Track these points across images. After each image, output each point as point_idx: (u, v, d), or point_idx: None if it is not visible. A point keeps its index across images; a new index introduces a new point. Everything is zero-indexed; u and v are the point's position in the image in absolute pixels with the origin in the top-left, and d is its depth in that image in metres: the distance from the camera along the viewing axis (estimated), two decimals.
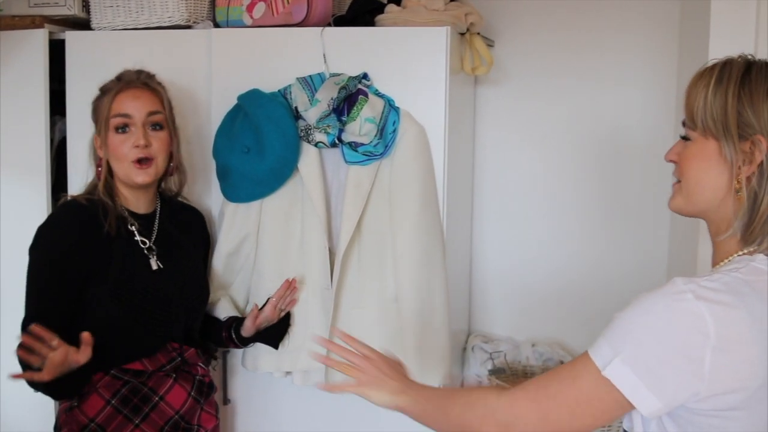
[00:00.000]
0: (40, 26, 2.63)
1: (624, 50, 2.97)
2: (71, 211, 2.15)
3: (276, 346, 2.42)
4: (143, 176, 2.14)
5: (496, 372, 2.94)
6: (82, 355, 1.87)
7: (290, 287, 2.32)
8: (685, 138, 1.40)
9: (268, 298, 2.33)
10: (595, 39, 3.01)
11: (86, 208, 2.12)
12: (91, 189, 2.19)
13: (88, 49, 2.64)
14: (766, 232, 1.30)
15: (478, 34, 2.68)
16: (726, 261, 1.34)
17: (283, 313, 2.37)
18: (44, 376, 1.82)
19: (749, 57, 1.36)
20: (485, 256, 3.21)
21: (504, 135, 3.14)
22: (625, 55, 2.97)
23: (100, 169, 2.18)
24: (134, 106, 2.14)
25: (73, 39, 2.68)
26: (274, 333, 2.39)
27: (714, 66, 1.36)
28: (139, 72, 2.22)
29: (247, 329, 2.31)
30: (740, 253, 1.33)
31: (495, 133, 3.15)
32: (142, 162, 2.14)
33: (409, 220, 2.38)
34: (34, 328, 1.80)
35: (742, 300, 1.23)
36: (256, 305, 2.33)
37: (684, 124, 1.40)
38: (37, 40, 2.63)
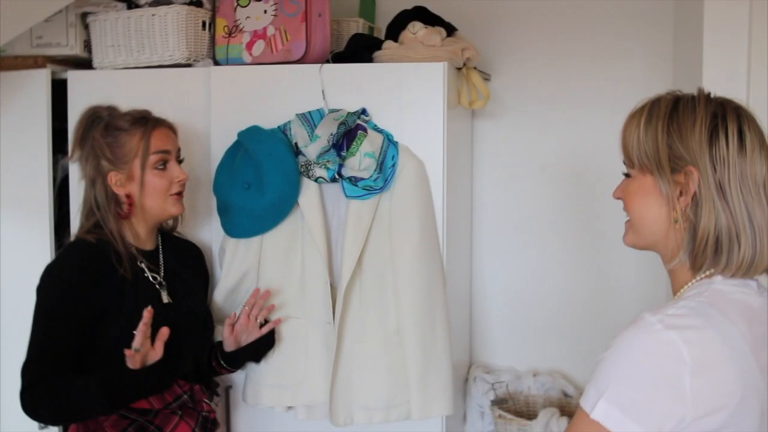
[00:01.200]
0: (43, 66, 2.67)
1: (620, 78, 3.00)
2: (79, 250, 2.13)
3: (258, 361, 2.41)
4: (178, 207, 2.23)
5: (498, 402, 2.94)
6: (158, 350, 1.97)
7: (261, 295, 2.31)
8: (627, 175, 1.47)
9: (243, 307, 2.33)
10: (591, 68, 3.04)
11: (95, 246, 2.12)
12: (92, 227, 2.17)
13: (89, 88, 2.67)
14: (710, 257, 1.34)
15: (475, 68, 2.71)
16: (686, 287, 1.39)
17: (264, 328, 2.32)
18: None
19: (677, 93, 1.42)
20: (485, 287, 3.22)
21: (502, 167, 3.17)
22: (620, 83, 2.99)
23: (129, 206, 2.16)
24: (169, 142, 2.21)
25: (75, 78, 2.71)
26: (256, 348, 2.35)
27: (644, 105, 1.43)
28: (141, 111, 2.23)
29: (226, 341, 2.30)
30: (698, 278, 1.37)
31: (493, 165, 3.17)
32: (178, 195, 2.22)
33: (410, 252, 2.39)
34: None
35: (710, 322, 1.27)
36: (234, 314, 2.32)
37: (625, 162, 1.46)
38: (40, 80, 2.67)
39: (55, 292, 2.06)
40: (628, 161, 1.45)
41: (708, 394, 1.23)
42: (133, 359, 1.95)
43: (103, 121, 2.18)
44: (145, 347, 1.96)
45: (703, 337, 1.25)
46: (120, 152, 2.15)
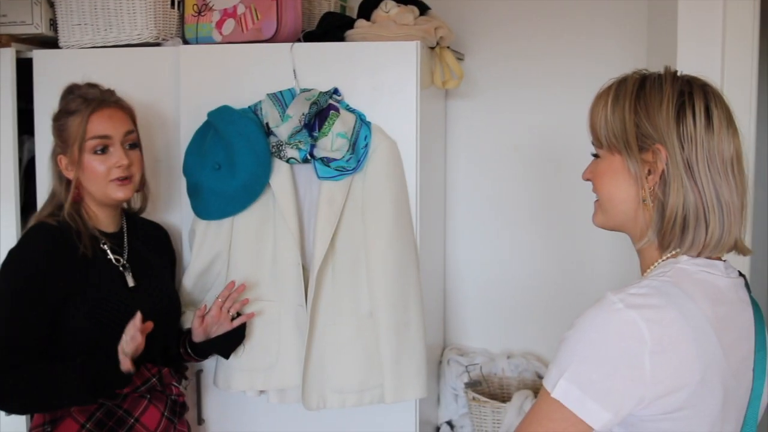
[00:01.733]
0: (7, 45, 2.61)
1: (594, 58, 3.00)
2: (42, 234, 2.10)
3: (227, 356, 2.36)
4: (124, 191, 2.15)
5: (472, 385, 2.94)
6: (141, 343, 1.97)
7: (235, 288, 2.27)
8: (595, 155, 1.47)
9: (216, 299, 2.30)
10: (565, 48, 3.03)
11: (57, 229, 2.09)
12: (54, 210, 2.15)
13: (55, 68, 2.61)
14: (678, 235, 1.34)
15: (448, 47, 2.68)
16: (653, 267, 1.39)
17: (236, 321, 2.27)
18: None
19: (644, 71, 1.42)
20: (459, 268, 3.21)
21: (476, 147, 3.16)
22: (595, 63, 2.99)
23: (76, 190, 2.13)
24: (112, 126, 2.13)
25: (40, 58, 2.65)
26: (226, 342, 2.30)
27: (611, 85, 1.43)
28: (104, 90, 2.19)
29: (195, 332, 2.25)
30: (664, 258, 1.38)
31: (466, 145, 3.16)
32: (123, 179, 2.13)
33: (383, 234, 2.37)
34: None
35: (672, 301, 1.27)
36: (205, 306, 2.27)
37: (593, 143, 1.46)
38: (4, 59, 2.60)
39: (20, 276, 2.04)
40: (596, 141, 1.44)
41: (668, 373, 1.24)
42: (126, 362, 1.93)
43: (61, 104, 2.16)
44: (137, 350, 1.96)
45: (663, 316, 1.25)
46: (65, 135, 2.12)
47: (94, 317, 2.03)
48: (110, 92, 2.20)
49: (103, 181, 2.12)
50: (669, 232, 1.34)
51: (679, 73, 1.40)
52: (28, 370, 1.96)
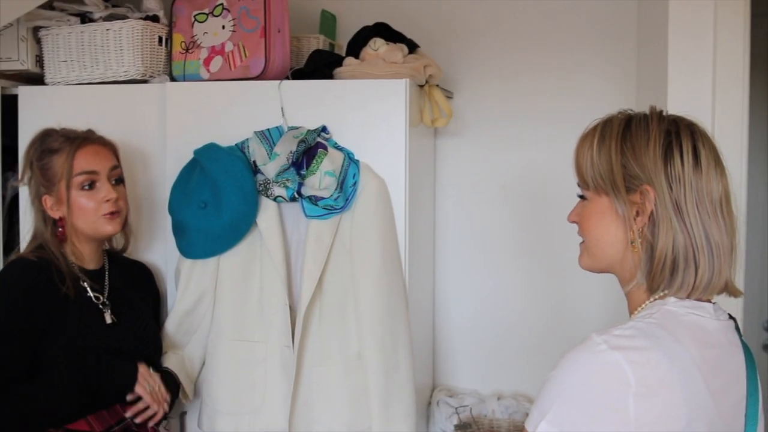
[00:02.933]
0: None
1: (583, 95, 2.98)
2: (21, 270, 2.10)
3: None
4: (113, 225, 2.17)
5: (462, 427, 2.89)
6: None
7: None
8: (581, 197, 1.44)
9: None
10: (554, 85, 3.02)
11: (36, 265, 2.09)
12: (36, 247, 2.16)
13: (41, 104, 2.60)
14: (667, 278, 1.32)
15: (437, 86, 2.68)
16: (640, 309, 1.36)
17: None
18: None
19: (629, 111, 1.41)
20: (448, 307, 3.18)
21: (465, 185, 3.13)
22: (584, 100, 2.97)
23: (61, 229, 2.15)
24: (98, 161, 2.16)
25: (26, 94, 2.64)
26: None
27: (596, 125, 1.41)
28: (84, 130, 2.22)
29: None
30: (652, 299, 1.35)
31: (456, 184, 3.14)
32: (112, 213, 2.15)
33: (371, 273, 2.35)
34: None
35: (657, 343, 1.24)
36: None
37: (579, 184, 1.44)
38: None
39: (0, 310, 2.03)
40: (583, 183, 1.42)
41: (653, 417, 1.20)
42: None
43: (42, 145, 2.17)
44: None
45: (648, 358, 1.22)
46: (49, 174, 2.14)
47: (71, 352, 2.02)
48: (91, 131, 2.23)
49: (93, 217, 2.14)
50: (659, 274, 1.32)
51: (664, 113, 1.38)
52: (9, 391, 1.95)
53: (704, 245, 1.29)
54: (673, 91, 2.39)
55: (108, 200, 2.14)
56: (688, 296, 1.32)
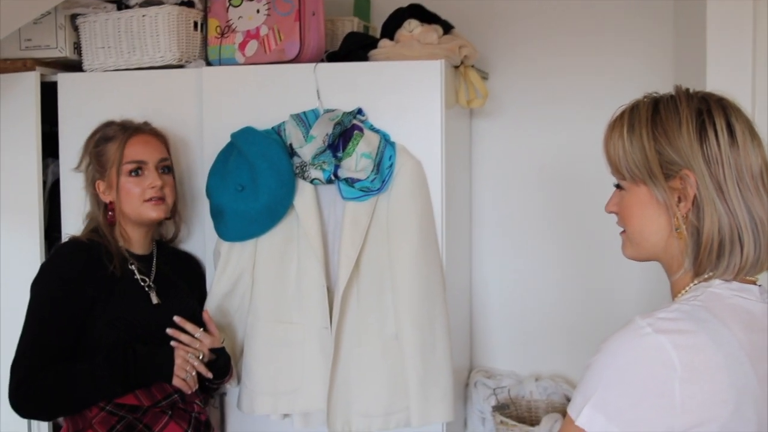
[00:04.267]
0: (32, 69, 2.62)
1: (620, 76, 2.95)
2: (74, 249, 2.22)
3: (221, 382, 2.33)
4: (157, 211, 2.25)
5: (500, 408, 2.89)
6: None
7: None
8: (618, 186, 1.40)
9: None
10: (591, 66, 3.00)
11: (89, 246, 2.21)
12: (91, 230, 2.27)
13: (80, 91, 2.63)
14: (714, 261, 1.29)
15: (473, 66, 2.66)
16: (684, 291, 1.33)
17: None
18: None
19: (654, 95, 1.36)
20: (485, 289, 3.17)
21: (501, 166, 3.12)
22: (620, 81, 2.94)
23: (111, 213, 2.25)
24: (147, 151, 2.27)
25: (64, 81, 2.66)
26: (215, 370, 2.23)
27: (623, 113, 1.37)
28: (140, 122, 2.33)
29: None
30: (696, 281, 1.31)
31: (492, 165, 3.13)
32: (157, 200, 2.24)
33: (408, 255, 2.34)
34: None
35: (703, 326, 1.21)
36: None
37: (613, 174, 1.40)
38: (29, 83, 2.61)
39: (49, 286, 2.14)
40: (617, 174, 1.38)
41: (699, 402, 1.17)
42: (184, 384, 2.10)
43: (101, 133, 2.29)
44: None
45: (695, 342, 1.19)
46: (103, 160, 2.26)
47: (115, 329, 2.10)
48: (146, 123, 2.34)
49: (137, 202, 2.23)
50: (705, 259, 1.29)
51: (691, 91, 1.34)
52: (53, 370, 2.03)
53: (748, 224, 1.27)
54: (712, 68, 2.35)
55: (153, 186, 2.24)
56: (734, 277, 1.30)
